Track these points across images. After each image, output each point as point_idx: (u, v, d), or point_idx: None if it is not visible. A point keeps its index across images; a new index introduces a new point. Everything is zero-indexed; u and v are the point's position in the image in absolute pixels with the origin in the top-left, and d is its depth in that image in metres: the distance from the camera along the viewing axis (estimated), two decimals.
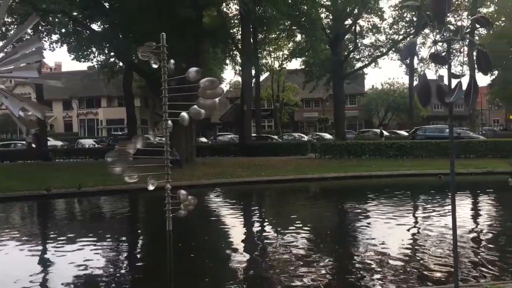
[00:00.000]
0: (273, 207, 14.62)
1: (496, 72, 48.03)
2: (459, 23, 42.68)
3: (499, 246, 8.07)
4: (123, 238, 10.08)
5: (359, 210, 12.50)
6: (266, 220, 12.02)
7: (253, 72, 36.30)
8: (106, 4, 25.26)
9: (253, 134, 36.15)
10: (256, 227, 10.98)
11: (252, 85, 37.79)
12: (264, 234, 9.87)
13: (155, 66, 3.20)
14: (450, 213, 10.99)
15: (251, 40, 33.45)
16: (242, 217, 12.55)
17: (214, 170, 21.28)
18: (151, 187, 3.16)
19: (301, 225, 10.18)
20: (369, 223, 10.41)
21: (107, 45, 25.87)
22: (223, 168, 21.90)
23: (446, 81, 4.91)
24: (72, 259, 7.51)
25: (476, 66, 4.83)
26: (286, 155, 28.88)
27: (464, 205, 12.99)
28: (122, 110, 41.53)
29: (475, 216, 11.56)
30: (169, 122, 3.65)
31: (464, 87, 4.80)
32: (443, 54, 5.41)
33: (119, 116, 51.82)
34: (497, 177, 18.41)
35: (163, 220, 3.51)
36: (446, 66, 5.31)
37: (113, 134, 50.10)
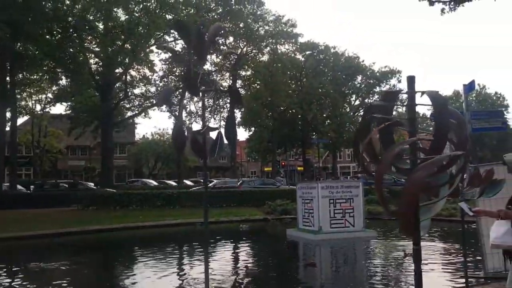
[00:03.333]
0: (20, 269, 12.61)
1: (253, 129, 53.90)
2: (223, 82, 46.80)
3: None
4: None
5: (122, 264, 11.82)
6: None
7: (9, 114, 32.42)
8: None
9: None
10: None
11: (8, 128, 33.58)
12: None
13: None
14: (213, 259, 11.19)
15: (8, 79, 29.97)
16: None
17: None
18: None
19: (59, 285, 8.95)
20: (131, 277, 9.84)
21: None
22: None
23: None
24: None
25: (230, 101, 5.11)
26: (46, 207, 26.07)
27: (222, 251, 13.56)
28: None
29: (230, 260, 12.08)
30: None
31: (224, 139, 4.98)
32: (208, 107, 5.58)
33: None
34: (253, 224, 20.07)
35: None
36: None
37: None
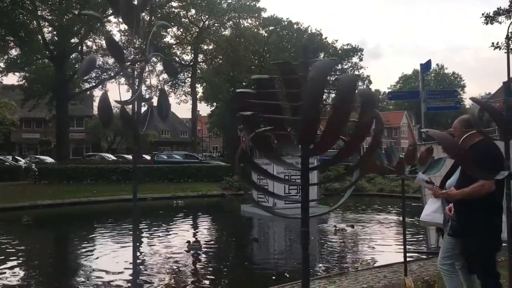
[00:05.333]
0: None
1: (215, 104, 53.36)
2: (184, 56, 45.94)
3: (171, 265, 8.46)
4: None
5: (75, 239, 11.61)
6: None
7: None
8: None
9: None
10: None
11: None
12: None
13: None
14: (160, 234, 11.08)
15: None
16: None
17: None
18: None
19: (15, 260, 8.66)
20: (85, 251, 9.65)
21: None
22: None
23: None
24: None
25: (165, 72, 4.87)
26: None
27: (171, 226, 13.45)
28: None
29: (175, 235, 11.91)
30: None
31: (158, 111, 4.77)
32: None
33: None
34: (209, 199, 20.00)
35: None
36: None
37: None
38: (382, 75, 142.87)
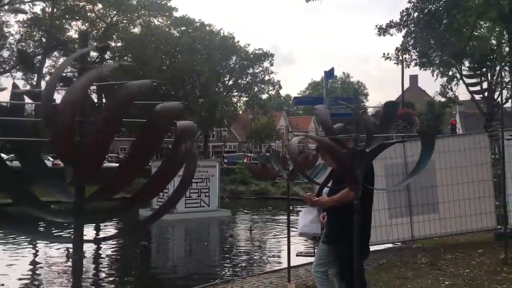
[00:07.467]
0: None
1: None
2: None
3: None
4: None
5: None
6: None
7: None
8: None
9: None
10: None
11: None
12: None
13: None
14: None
15: None
16: None
17: None
18: None
19: None
20: None
21: None
22: None
23: None
24: None
25: (19, 63, 4.41)
26: None
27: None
28: None
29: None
30: None
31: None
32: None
33: None
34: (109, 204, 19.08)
35: None
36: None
37: None
38: (294, 80, 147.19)
